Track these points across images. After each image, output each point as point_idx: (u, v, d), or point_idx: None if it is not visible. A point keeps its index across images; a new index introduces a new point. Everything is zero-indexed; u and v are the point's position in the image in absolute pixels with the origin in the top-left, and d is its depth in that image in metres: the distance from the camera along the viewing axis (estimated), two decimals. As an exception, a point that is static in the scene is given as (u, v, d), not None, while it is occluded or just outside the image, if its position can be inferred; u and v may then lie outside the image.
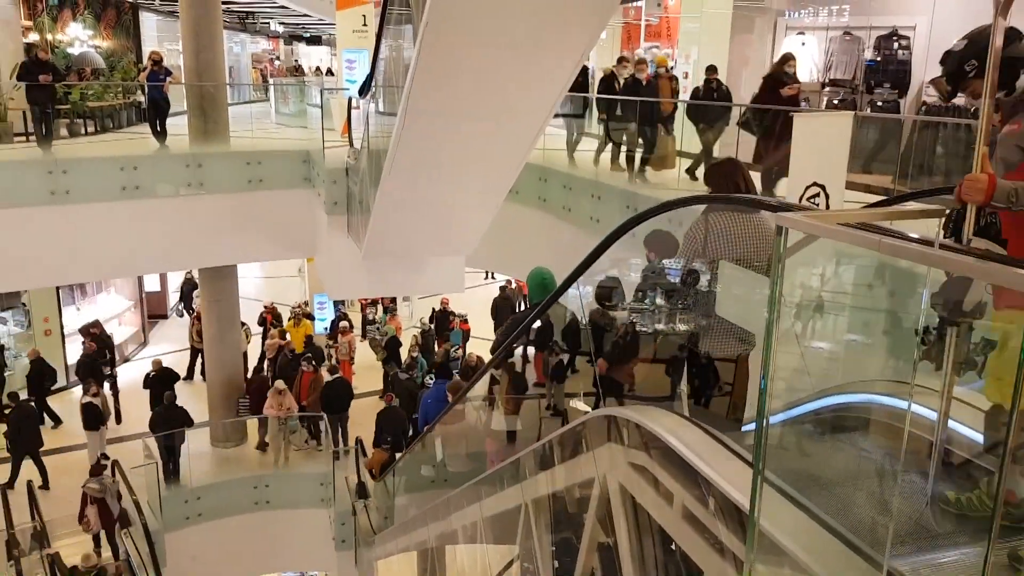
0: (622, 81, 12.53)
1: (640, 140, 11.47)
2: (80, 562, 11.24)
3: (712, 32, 16.87)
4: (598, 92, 13.36)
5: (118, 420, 16.65)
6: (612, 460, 4.56)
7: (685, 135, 11.52)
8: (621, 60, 13.24)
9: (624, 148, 11.78)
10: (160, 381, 15.25)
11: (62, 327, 18.65)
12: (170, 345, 21.14)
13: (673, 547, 3.99)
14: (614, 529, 4.46)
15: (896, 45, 15.37)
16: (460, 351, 19.56)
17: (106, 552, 12.46)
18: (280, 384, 14.82)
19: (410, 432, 14.59)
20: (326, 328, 20.95)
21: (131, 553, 12.41)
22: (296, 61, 40.68)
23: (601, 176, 11.54)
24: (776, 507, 2.62)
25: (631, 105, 11.81)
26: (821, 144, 6.50)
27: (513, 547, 7.68)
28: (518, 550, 7.45)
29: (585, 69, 13.64)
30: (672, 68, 13.71)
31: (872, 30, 15.75)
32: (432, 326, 20.43)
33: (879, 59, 15.62)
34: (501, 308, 20.21)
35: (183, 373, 18.49)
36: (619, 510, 4.38)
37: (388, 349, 18.08)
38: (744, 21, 17.18)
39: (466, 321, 21.60)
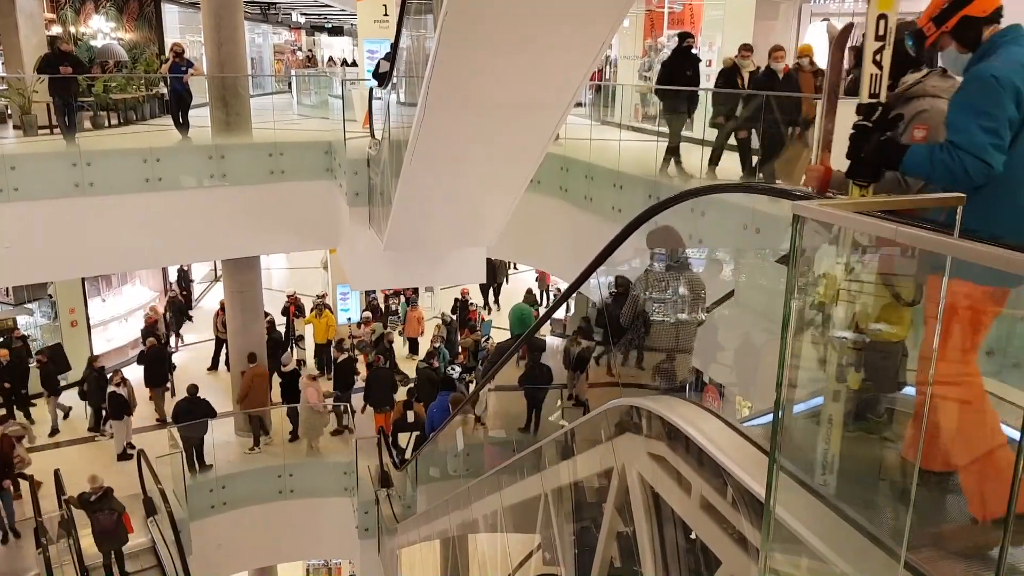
0: (746, 75, 10.75)
1: (763, 146, 9.63)
2: (88, 483, 11.69)
3: (736, 19, 16.74)
4: (717, 87, 11.32)
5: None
6: (631, 450, 4.56)
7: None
8: (744, 48, 11.10)
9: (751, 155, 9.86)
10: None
11: (88, 318, 18.84)
12: (195, 335, 21.29)
13: (692, 536, 3.99)
14: (633, 518, 4.46)
15: (922, 31, 15.17)
16: (488, 340, 19.59)
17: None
18: (312, 370, 14.96)
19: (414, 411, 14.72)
20: (349, 319, 21.04)
21: (157, 540, 12.56)
22: (309, 52, 40.71)
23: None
24: (793, 497, 2.61)
25: (757, 102, 9.64)
26: (846, 130, 6.43)
27: (534, 536, 7.71)
28: (538, 539, 7.47)
29: (694, 60, 11.36)
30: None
31: (899, 15, 15.55)
32: (454, 317, 20.47)
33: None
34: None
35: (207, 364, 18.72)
36: (638, 499, 4.37)
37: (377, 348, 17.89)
38: (768, 8, 17.01)
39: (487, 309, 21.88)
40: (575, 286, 5.85)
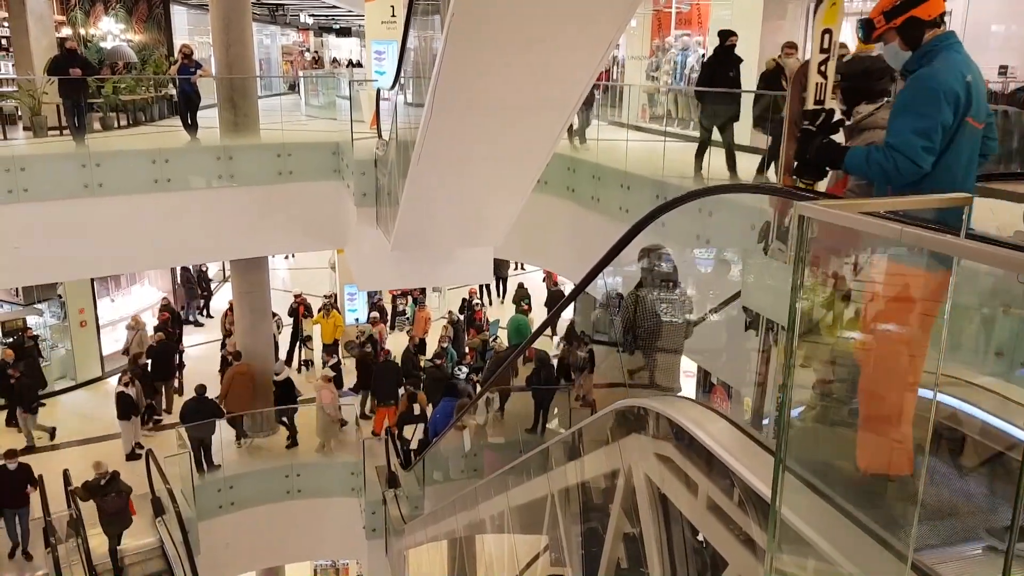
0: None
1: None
2: (93, 469, 11.98)
3: (744, 19, 16.67)
4: (760, 88, 10.39)
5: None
6: (638, 451, 4.55)
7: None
8: (788, 46, 10.36)
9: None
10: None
11: (97, 318, 18.91)
12: (203, 336, 21.36)
13: (698, 537, 3.98)
14: (640, 519, 4.45)
15: (931, 31, 15.11)
16: (496, 340, 19.61)
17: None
18: (328, 371, 14.97)
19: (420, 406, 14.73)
20: (356, 319, 21.07)
21: (165, 540, 12.60)
22: (315, 53, 40.86)
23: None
24: (800, 498, 2.60)
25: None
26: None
27: (541, 537, 7.71)
28: (545, 540, 7.48)
29: (736, 60, 10.42)
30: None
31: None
32: (462, 317, 20.48)
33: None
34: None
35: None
36: (645, 500, 4.37)
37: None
38: (776, 7, 16.94)
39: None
40: (581, 287, 5.86)
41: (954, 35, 3.43)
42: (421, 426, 14.55)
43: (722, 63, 10.46)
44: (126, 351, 16.40)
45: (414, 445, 14.57)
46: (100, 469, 11.91)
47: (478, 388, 15.59)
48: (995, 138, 3.64)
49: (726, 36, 10.51)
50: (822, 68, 3.42)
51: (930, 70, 3.28)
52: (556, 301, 22.87)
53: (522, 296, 21.83)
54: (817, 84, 3.51)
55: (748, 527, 3.30)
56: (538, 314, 21.89)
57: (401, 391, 15.01)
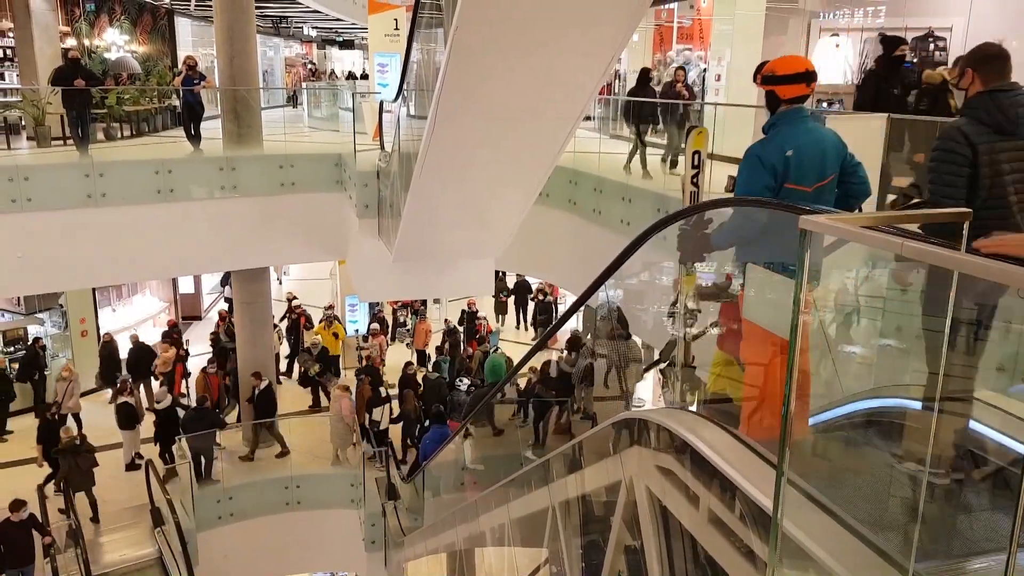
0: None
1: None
2: (63, 435, 13.07)
3: (745, 34, 16.76)
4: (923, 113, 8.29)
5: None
6: (639, 463, 4.56)
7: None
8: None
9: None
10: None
11: (98, 328, 18.93)
12: (204, 346, 21.34)
13: (700, 550, 3.98)
14: (641, 532, 4.45)
15: (932, 46, 15.17)
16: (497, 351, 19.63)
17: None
18: (345, 382, 15.01)
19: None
20: (357, 330, 21.08)
21: (164, 551, 12.57)
22: (313, 65, 41.01)
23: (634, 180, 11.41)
24: (802, 511, 2.61)
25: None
26: (854, 147, 6.44)
27: (541, 550, 7.70)
28: (546, 552, 7.46)
29: (905, 74, 8.57)
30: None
31: (908, 31, 15.57)
32: (460, 327, 20.49)
33: (915, 61, 15.42)
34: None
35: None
36: (646, 513, 4.37)
37: (320, 361, 17.83)
38: (777, 23, 17.06)
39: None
40: (581, 300, 5.87)
41: (801, 111, 4.11)
42: (387, 407, 15.21)
43: (886, 78, 8.55)
44: (55, 403, 14.93)
45: (384, 425, 15.15)
46: (69, 433, 13.25)
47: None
48: (862, 181, 4.24)
49: (894, 45, 8.57)
50: (695, 179, 4.88)
51: (759, 143, 4.09)
52: (522, 291, 23.10)
53: (500, 289, 21.94)
54: (691, 192, 5.20)
55: (749, 540, 3.31)
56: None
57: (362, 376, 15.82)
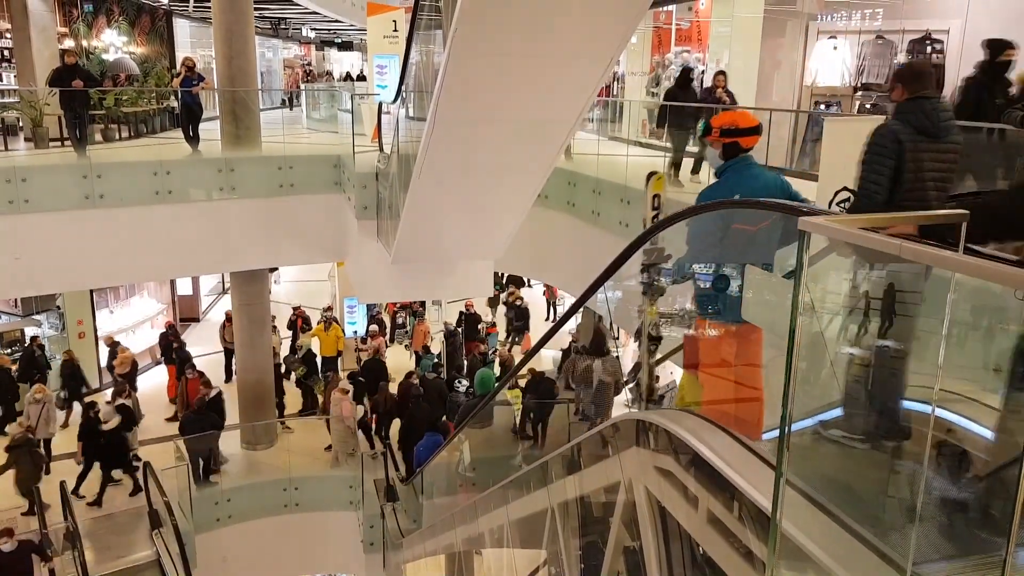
0: None
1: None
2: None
3: (743, 36, 16.79)
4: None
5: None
6: (638, 464, 4.56)
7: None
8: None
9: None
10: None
11: (95, 330, 18.90)
12: (203, 347, 21.33)
13: (699, 551, 3.98)
14: (640, 533, 4.45)
15: (930, 49, 15.19)
16: (495, 353, 19.66)
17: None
18: (345, 384, 15.00)
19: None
20: (355, 332, 21.07)
21: (161, 553, 12.55)
22: (308, 66, 40.98)
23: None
24: (801, 512, 2.61)
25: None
26: (852, 149, 6.45)
27: (540, 551, 7.69)
28: (545, 554, 7.45)
29: (1005, 84, 7.70)
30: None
31: (905, 34, 15.59)
32: (459, 329, 20.49)
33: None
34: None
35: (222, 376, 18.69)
36: (645, 514, 4.37)
37: (306, 363, 17.67)
38: (775, 25, 17.06)
39: (493, 325, 21.94)
40: (580, 302, 5.87)
41: (748, 159, 4.62)
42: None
43: (988, 87, 7.67)
44: (30, 428, 13.89)
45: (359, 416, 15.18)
46: (24, 425, 13.54)
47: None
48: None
49: (1000, 49, 7.68)
50: (654, 219, 5.14)
51: (710, 188, 4.70)
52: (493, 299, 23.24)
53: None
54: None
55: (748, 541, 3.31)
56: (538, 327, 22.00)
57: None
